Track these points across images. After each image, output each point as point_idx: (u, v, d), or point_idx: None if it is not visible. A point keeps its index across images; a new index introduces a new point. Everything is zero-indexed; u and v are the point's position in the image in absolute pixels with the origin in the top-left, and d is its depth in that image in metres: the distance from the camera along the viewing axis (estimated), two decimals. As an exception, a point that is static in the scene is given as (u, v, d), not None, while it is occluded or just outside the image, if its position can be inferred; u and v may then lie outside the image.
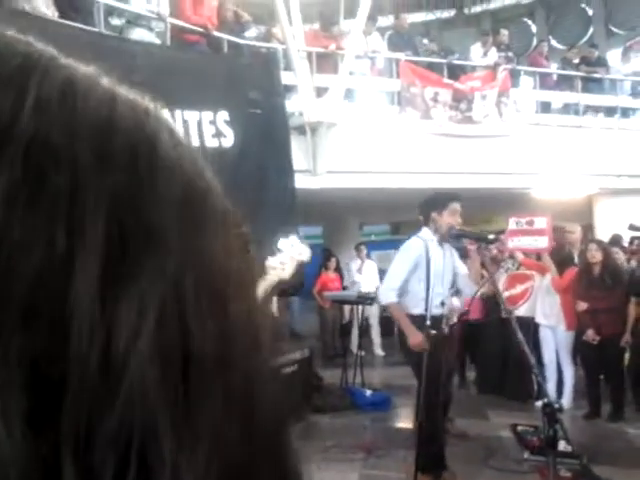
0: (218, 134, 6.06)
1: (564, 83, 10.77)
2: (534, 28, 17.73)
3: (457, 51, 10.67)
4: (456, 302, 4.92)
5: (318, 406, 6.40)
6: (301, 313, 11.30)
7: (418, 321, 4.15)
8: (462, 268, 4.46)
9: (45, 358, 0.24)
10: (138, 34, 6.53)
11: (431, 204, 4.42)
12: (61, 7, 5.62)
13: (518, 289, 6.95)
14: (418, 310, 4.23)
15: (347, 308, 9.56)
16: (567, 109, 10.70)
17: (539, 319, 6.58)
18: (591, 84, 10.76)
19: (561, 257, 6.52)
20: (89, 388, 0.24)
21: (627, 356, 6.16)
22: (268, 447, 0.31)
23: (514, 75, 10.22)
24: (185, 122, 5.81)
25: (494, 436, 5.51)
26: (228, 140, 6.13)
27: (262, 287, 2.98)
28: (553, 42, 16.05)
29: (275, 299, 9.96)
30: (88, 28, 5.79)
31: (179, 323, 0.26)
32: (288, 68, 7.85)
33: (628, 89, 11.36)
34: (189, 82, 5.88)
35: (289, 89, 7.88)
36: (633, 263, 6.98)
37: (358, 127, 8.43)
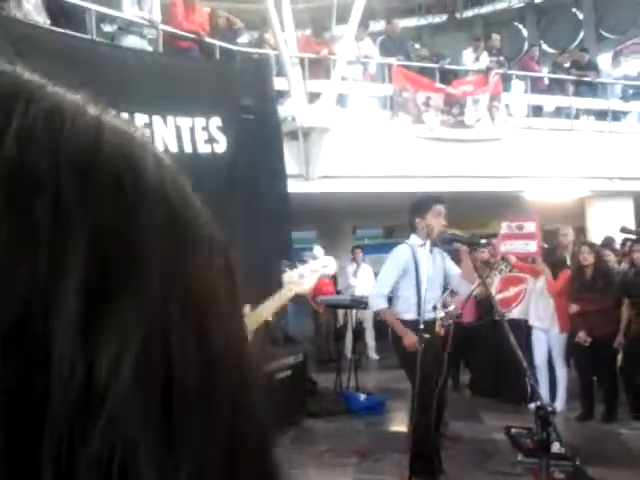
0: (211, 140, 6.07)
1: (555, 87, 10.83)
2: (525, 32, 17.82)
3: (449, 56, 10.73)
4: (451, 306, 4.95)
5: (312, 411, 6.40)
6: (295, 317, 11.31)
7: (411, 326, 4.17)
8: (454, 269, 4.48)
9: (25, 387, 0.24)
10: (130, 41, 6.54)
11: (414, 210, 4.45)
12: (53, 14, 5.63)
13: (511, 292, 6.97)
14: (410, 315, 4.26)
15: (341, 312, 9.56)
16: (559, 113, 10.76)
17: (532, 321, 6.60)
18: (582, 88, 10.82)
19: (554, 260, 6.56)
20: (70, 417, 0.24)
21: (620, 358, 6.19)
22: (252, 476, 0.31)
23: (506, 79, 10.28)
24: (178, 128, 5.82)
25: (488, 439, 5.52)
26: (221, 146, 6.14)
27: (276, 302, 2.80)
28: (544, 46, 16.15)
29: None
30: (80, 35, 5.79)
31: (162, 352, 0.26)
32: (280, 74, 7.87)
33: (619, 93, 11.43)
34: (181, 88, 5.89)
35: (282, 94, 7.90)
36: (624, 265, 7.02)
37: (351, 132, 8.45)
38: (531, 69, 10.83)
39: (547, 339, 6.51)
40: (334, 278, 10.37)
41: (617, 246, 8.19)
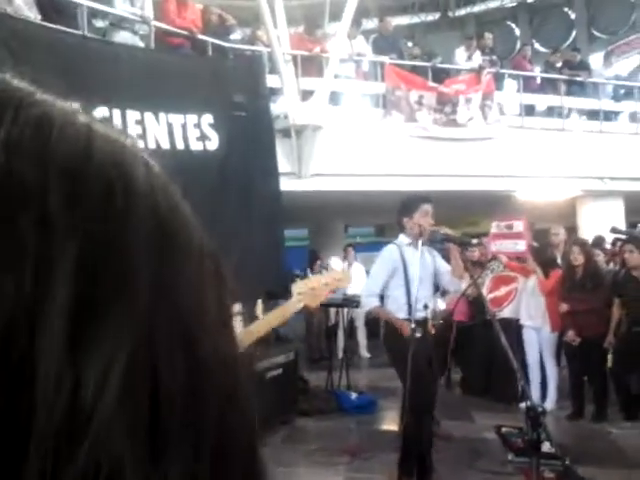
0: (203, 137, 6.06)
1: (548, 86, 10.86)
2: (518, 31, 17.87)
3: (442, 54, 10.73)
4: (441, 304, 4.96)
5: (304, 409, 6.39)
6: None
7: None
8: (444, 267, 4.48)
9: (9, 403, 0.23)
10: (122, 37, 6.50)
11: (402, 210, 4.46)
12: (44, 9, 5.58)
13: (502, 291, 7.00)
14: (401, 315, 4.26)
15: (333, 310, 9.55)
16: (551, 112, 10.79)
17: (524, 320, 6.62)
18: (574, 87, 10.86)
19: (544, 259, 6.58)
20: (55, 434, 0.23)
21: (610, 357, 6.22)
22: None
23: (498, 78, 10.30)
24: (170, 125, 5.80)
25: (479, 438, 5.53)
26: (213, 143, 6.12)
27: (282, 313, 2.71)
28: (536, 45, 16.20)
29: (260, 302, 9.96)
30: (71, 31, 5.75)
31: (149, 370, 0.26)
32: (273, 71, 7.85)
33: (610, 92, 11.48)
34: (173, 85, 5.87)
35: (274, 92, 7.89)
36: (612, 265, 7.07)
37: (343, 130, 8.44)
38: (523, 68, 10.85)
39: (538, 338, 6.53)
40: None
41: (607, 245, 8.24)
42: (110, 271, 0.25)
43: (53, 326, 0.24)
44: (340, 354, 8.25)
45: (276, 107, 7.75)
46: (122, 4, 6.57)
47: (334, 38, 8.67)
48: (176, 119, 5.83)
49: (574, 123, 10.62)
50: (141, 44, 6.74)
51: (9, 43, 4.47)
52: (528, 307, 6.60)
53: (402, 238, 4.46)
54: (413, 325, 3.96)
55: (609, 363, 6.19)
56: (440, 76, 9.78)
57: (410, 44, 11.46)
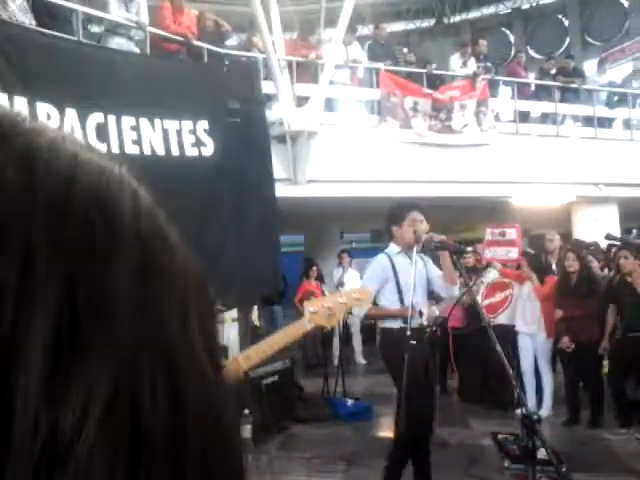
0: (198, 143, 6.04)
1: (542, 93, 10.90)
2: (512, 38, 17.96)
3: (436, 60, 10.76)
4: (435, 311, 4.94)
5: (300, 416, 6.37)
6: (283, 322, 11.26)
7: (397, 333, 4.14)
8: (436, 272, 4.46)
9: None
10: (117, 43, 6.50)
11: (390, 219, 4.44)
12: (38, 15, 5.56)
13: (497, 297, 7.00)
14: (396, 323, 4.23)
15: (328, 317, 9.52)
16: (545, 118, 10.83)
17: (519, 327, 6.62)
18: (568, 94, 10.90)
19: (539, 265, 6.59)
20: (32, 471, 0.23)
21: (605, 363, 6.22)
22: None
23: (493, 85, 10.33)
24: (165, 131, 5.78)
25: (476, 444, 5.52)
26: (208, 149, 6.11)
27: (293, 332, 2.52)
28: (531, 52, 16.28)
29: (256, 308, 9.95)
30: (66, 36, 5.74)
31: (130, 405, 0.25)
32: (268, 77, 7.86)
33: (604, 99, 11.53)
34: (169, 91, 5.86)
35: (269, 98, 7.89)
36: (606, 271, 7.08)
37: (338, 136, 8.45)
38: (518, 75, 10.89)
39: (533, 344, 6.53)
40: (321, 282, 10.37)
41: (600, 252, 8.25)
42: (91, 306, 0.25)
43: (33, 363, 0.23)
44: (336, 361, 8.22)
45: (271, 113, 7.76)
46: (117, 10, 6.56)
47: (329, 44, 8.68)
48: (171, 125, 5.82)
49: (569, 129, 10.65)
50: (136, 50, 6.73)
51: (4, 48, 4.45)
52: (523, 313, 6.60)
53: (392, 247, 4.43)
54: (409, 333, 3.94)
55: (605, 369, 6.20)
56: (435, 82, 9.81)
57: (405, 50, 11.49)
